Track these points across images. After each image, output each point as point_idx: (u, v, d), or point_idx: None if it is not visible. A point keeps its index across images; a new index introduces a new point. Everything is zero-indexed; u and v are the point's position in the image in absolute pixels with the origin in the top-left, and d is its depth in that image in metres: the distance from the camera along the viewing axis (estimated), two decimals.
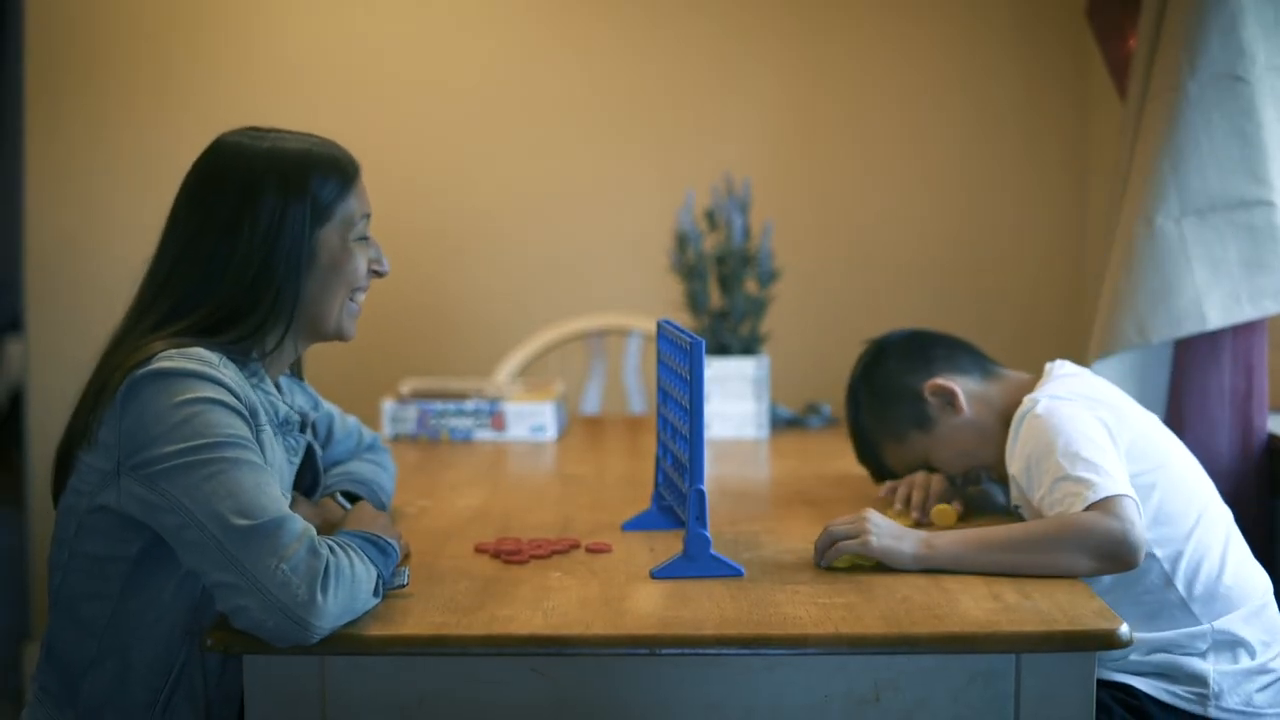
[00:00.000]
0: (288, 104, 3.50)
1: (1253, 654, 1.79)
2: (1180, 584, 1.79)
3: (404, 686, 1.47)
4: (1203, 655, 1.78)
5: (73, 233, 3.46)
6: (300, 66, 3.50)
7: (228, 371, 1.58)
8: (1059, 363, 1.99)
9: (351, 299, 1.71)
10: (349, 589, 1.46)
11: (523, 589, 1.61)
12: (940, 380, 2.01)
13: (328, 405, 1.96)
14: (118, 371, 1.57)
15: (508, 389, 2.83)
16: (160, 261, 1.66)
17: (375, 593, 1.52)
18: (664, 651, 1.46)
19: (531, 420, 2.69)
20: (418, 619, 1.50)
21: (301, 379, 1.84)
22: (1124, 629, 1.46)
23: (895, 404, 2.04)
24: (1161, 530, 1.80)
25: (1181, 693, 1.77)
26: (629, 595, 1.59)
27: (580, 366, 3.38)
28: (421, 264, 3.55)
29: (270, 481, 1.51)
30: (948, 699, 1.47)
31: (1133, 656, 1.79)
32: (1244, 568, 1.85)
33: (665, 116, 3.53)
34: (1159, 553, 1.79)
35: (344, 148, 1.72)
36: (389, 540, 1.57)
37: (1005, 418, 1.94)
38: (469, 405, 2.69)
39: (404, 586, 1.58)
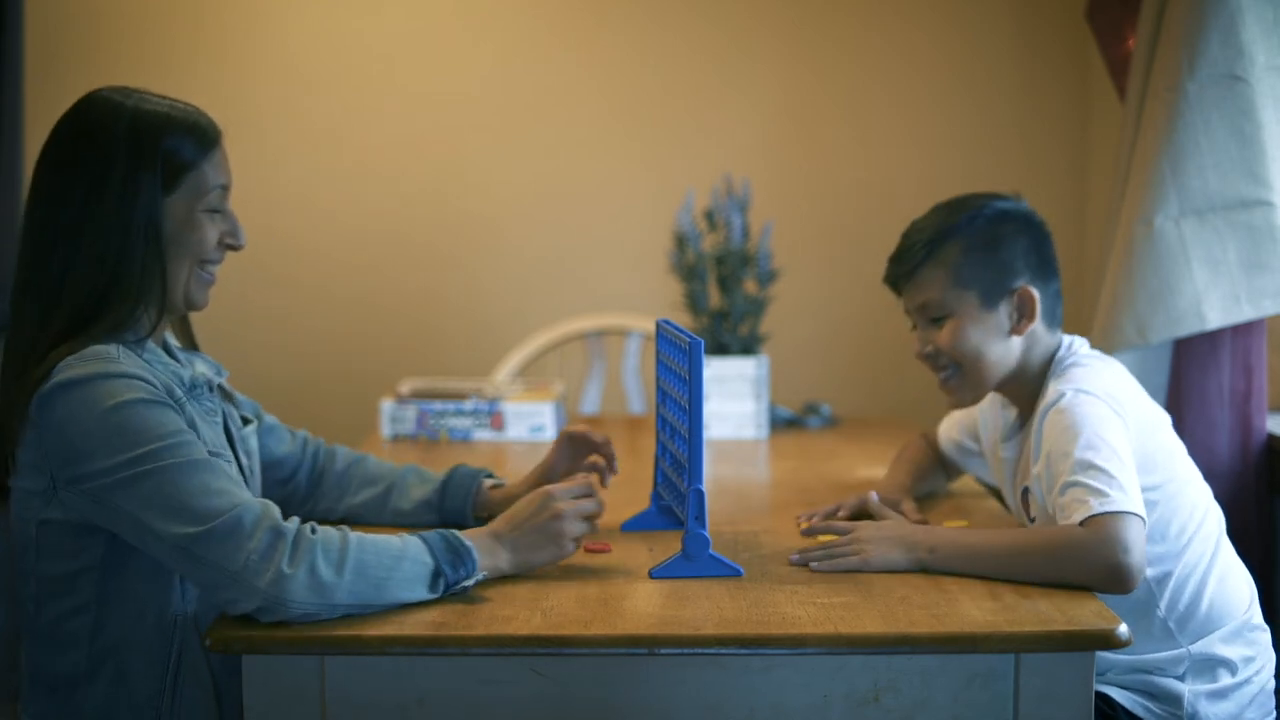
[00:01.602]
0: (288, 104, 3.50)
1: (1234, 671, 1.77)
2: (1163, 606, 1.77)
3: (404, 686, 1.47)
4: (1180, 678, 1.76)
5: None
6: (301, 68, 3.50)
7: (130, 360, 1.55)
8: (1075, 339, 1.91)
9: (201, 269, 1.66)
10: (331, 561, 1.46)
11: (522, 589, 1.61)
12: (1035, 295, 1.88)
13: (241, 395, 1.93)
14: (22, 391, 1.54)
15: (507, 389, 2.83)
16: (26, 242, 1.62)
17: (433, 588, 1.52)
18: (663, 651, 1.46)
19: (531, 420, 2.69)
20: (418, 619, 1.50)
21: (196, 349, 1.80)
22: (1122, 629, 1.46)
23: (986, 264, 1.88)
24: (1154, 549, 1.76)
25: (1156, 709, 1.76)
26: (628, 595, 1.59)
27: (580, 366, 3.38)
28: (421, 263, 3.55)
29: (216, 472, 1.50)
30: (947, 699, 1.47)
31: (1110, 674, 1.78)
32: (1228, 583, 1.82)
33: (665, 117, 3.53)
34: (1149, 572, 1.76)
35: (208, 115, 1.67)
36: (466, 542, 1.55)
37: (1025, 370, 1.88)
38: (468, 405, 2.69)
39: (466, 590, 1.56)
